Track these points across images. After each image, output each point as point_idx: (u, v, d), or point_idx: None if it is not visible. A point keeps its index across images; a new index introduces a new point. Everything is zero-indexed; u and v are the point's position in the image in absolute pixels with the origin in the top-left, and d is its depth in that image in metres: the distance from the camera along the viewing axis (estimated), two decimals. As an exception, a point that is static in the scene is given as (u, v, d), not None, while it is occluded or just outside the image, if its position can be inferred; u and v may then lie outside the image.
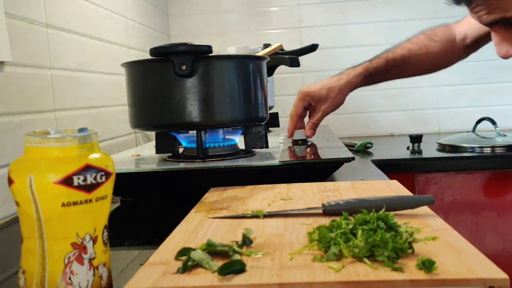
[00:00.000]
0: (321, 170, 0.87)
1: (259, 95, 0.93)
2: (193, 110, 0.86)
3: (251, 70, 0.92)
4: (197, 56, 0.84)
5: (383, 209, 0.53)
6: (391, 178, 0.84)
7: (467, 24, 1.19)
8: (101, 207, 0.44)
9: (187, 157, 0.94)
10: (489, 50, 0.96)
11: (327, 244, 0.46)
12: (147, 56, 0.87)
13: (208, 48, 0.85)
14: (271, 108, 1.59)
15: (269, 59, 1.00)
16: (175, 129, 0.94)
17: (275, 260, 0.45)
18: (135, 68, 0.91)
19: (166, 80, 0.86)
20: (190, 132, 1.07)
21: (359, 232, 0.46)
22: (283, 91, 2.00)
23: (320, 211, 0.60)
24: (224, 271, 0.42)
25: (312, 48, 1.35)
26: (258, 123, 0.95)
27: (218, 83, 0.87)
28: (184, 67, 0.83)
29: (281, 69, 1.37)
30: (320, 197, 0.69)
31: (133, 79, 0.92)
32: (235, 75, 0.89)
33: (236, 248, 0.47)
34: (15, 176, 0.42)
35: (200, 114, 0.86)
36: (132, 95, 0.92)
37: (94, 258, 0.43)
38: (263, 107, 0.95)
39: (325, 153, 0.93)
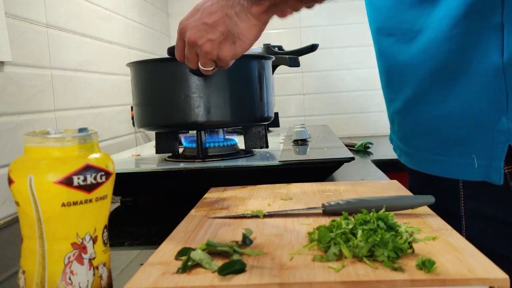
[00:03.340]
0: (321, 170, 0.87)
1: (264, 95, 0.93)
2: (198, 110, 0.86)
3: (253, 70, 0.92)
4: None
5: (383, 209, 0.53)
6: (391, 178, 0.84)
7: None
8: (101, 207, 0.44)
9: (187, 157, 0.94)
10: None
11: (327, 244, 0.46)
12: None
13: None
14: (271, 108, 1.59)
15: (274, 58, 1.00)
16: (181, 128, 0.94)
17: (275, 260, 0.45)
18: (141, 68, 0.91)
19: (170, 80, 0.86)
20: (190, 132, 1.07)
21: (359, 232, 0.46)
22: (283, 91, 2.00)
23: (320, 211, 0.60)
24: (224, 271, 0.42)
25: (312, 48, 1.35)
26: (262, 123, 0.95)
27: (220, 83, 0.87)
28: None
29: (281, 69, 1.37)
30: (320, 197, 0.69)
31: (139, 79, 0.92)
32: (239, 75, 0.89)
33: (236, 248, 0.47)
34: (15, 176, 0.42)
35: (204, 114, 0.86)
36: (137, 95, 0.92)
37: (94, 258, 0.43)
38: (268, 107, 0.95)
39: (325, 153, 0.93)
